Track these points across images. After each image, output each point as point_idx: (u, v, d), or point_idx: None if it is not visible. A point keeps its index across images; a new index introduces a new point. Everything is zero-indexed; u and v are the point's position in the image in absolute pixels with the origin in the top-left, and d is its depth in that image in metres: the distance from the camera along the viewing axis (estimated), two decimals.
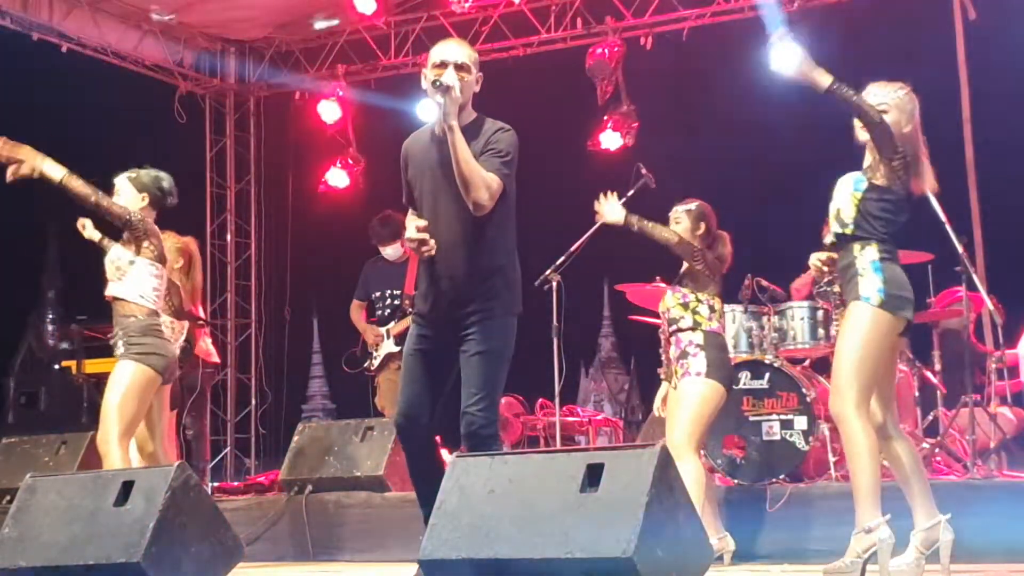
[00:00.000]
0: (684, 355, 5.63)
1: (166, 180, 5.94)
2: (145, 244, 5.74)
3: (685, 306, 5.66)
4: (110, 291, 5.78)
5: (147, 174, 5.90)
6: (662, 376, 5.89)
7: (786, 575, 5.44)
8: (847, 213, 4.66)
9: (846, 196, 4.69)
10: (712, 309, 5.66)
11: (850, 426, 4.55)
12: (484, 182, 4.36)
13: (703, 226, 5.71)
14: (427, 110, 10.25)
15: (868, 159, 4.74)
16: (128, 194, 5.82)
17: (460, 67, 4.48)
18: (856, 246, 4.64)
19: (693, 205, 5.74)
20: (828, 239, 4.79)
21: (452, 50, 4.54)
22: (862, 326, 4.56)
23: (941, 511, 4.74)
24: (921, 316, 7.14)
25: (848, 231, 4.66)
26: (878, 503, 4.59)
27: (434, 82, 4.40)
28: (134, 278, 5.74)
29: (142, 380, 5.64)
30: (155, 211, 5.89)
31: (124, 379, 5.64)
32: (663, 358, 5.82)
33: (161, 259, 5.83)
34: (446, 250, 4.48)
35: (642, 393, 12.80)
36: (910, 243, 5.06)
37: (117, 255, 5.79)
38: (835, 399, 4.60)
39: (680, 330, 5.67)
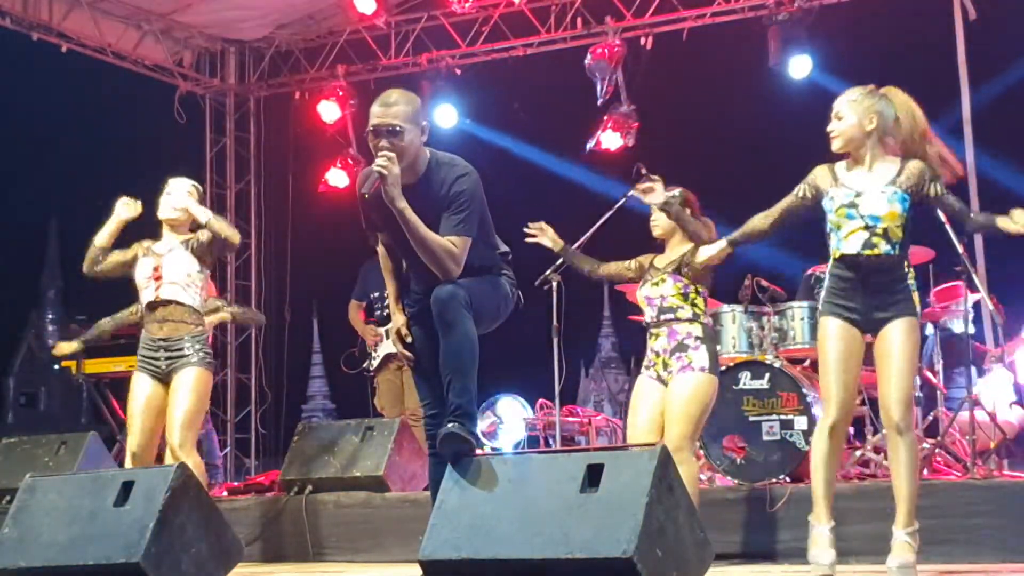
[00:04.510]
0: (682, 348, 5.44)
1: None
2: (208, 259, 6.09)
3: (684, 296, 5.53)
4: (171, 295, 5.95)
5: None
6: (646, 372, 5.59)
7: (786, 575, 5.44)
8: (895, 233, 4.68)
9: (889, 212, 4.67)
10: (705, 301, 5.60)
11: (913, 437, 4.66)
12: (447, 253, 4.31)
13: (688, 211, 5.65)
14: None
15: (896, 168, 4.73)
16: (194, 199, 6.06)
17: (392, 132, 4.32)
18: (905, 263, 4.71)
19: (677, 191, 5.66)
20: (864, 249, 4.70)
21: (382, 114, 4.35)
22: (918, 341, 4.70)
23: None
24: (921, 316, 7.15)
25: (898, 251, 4.69)
26: None
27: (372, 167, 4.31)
28: (199, 289, 6.02)
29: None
30: None
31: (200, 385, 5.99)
32: (649, 351, 5.58)
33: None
34: (424, 269, 4.45)
35: None
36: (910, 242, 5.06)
37: (187, 263, 5.96)
38: (905, 411, 4.63)
39: (677, 320, 5.51)
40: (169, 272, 5.94)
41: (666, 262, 5.59)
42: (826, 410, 4.77)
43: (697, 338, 5.45)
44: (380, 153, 4.29)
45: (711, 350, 5.46)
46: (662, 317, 5.53)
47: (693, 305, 5.49)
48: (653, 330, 5.57)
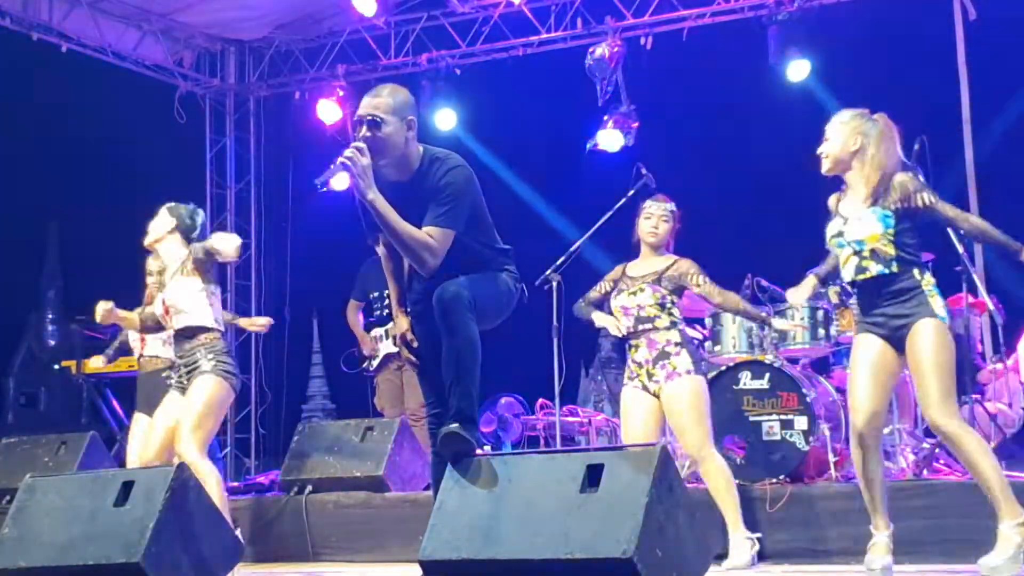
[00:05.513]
0: (664, 355, 5.61)
1: (199, 215, 6.23)
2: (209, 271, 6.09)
3: (662, 307, 5.66)
4: (184, 323, 6.00)
5: (185, 206, 6.18)
6: (630, 383, 5.70)
7: (786, 575, 5.44)
8: (886, 252, 4.66)
9: (870, 235, 4.67)
10: (680, 309, 5.72)
11: (964, 433, 4.61)
12: (422, 245, 4.29)
13: (678, 227, 5.78)
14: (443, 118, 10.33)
15: (884, 187, 4.71)
16: (162, 218, 6.08)
17: (373, 123, 4.34)
18: (915, 271, 4.69)
19: (673, 205, 5.78)
20: (858, 275, 4.74)
21: (366, 104, 4.39)
22: (947, 342, 4.64)
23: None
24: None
25: (894, 268, 4.67)
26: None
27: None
28: (208, 304, 6.03)
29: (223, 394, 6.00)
30: (182, 238, 6.12)
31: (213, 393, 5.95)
32: (631, 363, 5.71)
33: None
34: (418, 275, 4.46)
35: None
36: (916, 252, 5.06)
37: (187, 285, 5.98)
38: (940, 412, 4.59)
39: (655, 329, 5.65)
40: (174, 301, 6.01)
41: (644, 272, 5.71)
42: (852, 420, 4.78)
43: (676, 343, 5.63)
44: (351, 144, 4.31)
45: (692, 353, 5.64)
46: (640, 327, 5.68)
47: (670, 314, 5.65)
48: (632, 341, 5.71)
